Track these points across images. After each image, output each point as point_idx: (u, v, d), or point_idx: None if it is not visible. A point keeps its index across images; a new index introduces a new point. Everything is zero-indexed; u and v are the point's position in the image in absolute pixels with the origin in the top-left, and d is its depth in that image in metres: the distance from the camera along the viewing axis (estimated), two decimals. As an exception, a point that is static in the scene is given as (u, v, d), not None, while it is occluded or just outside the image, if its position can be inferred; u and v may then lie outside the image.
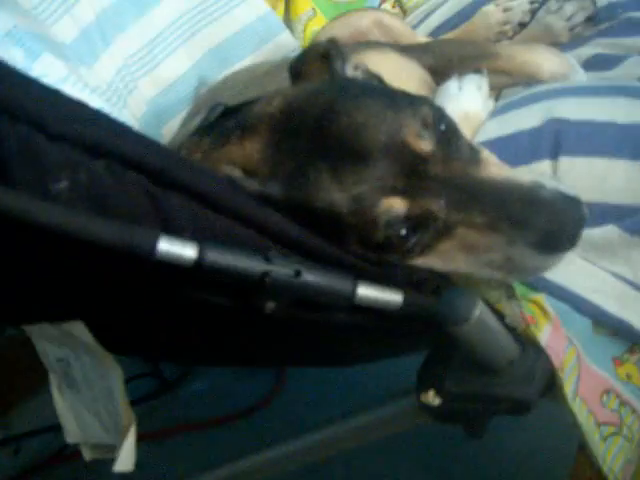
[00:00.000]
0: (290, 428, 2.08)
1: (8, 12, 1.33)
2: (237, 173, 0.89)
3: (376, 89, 0.97)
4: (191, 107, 1.64)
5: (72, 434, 0.99)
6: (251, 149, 0.91)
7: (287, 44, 1.91)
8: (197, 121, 1.27)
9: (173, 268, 0.78)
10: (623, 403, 1.03)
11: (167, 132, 1.68)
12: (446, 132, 0.90)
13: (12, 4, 1.43)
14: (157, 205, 0.79)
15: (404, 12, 2.14)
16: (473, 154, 0.91)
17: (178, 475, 1.71)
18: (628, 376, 1.05)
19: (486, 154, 0.93)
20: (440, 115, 0.91)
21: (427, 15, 2.01)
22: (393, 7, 2.17)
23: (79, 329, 0.87)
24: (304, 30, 2.05)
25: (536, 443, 1.76)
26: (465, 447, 1.83)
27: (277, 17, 1.95)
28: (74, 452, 1.89)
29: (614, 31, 1.63)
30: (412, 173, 0.86)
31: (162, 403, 2.34)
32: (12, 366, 2.19)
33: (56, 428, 0.99)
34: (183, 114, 1.67)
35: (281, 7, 2.07)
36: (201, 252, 0.78)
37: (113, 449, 0.95)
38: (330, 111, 0.89)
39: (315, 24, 2.06)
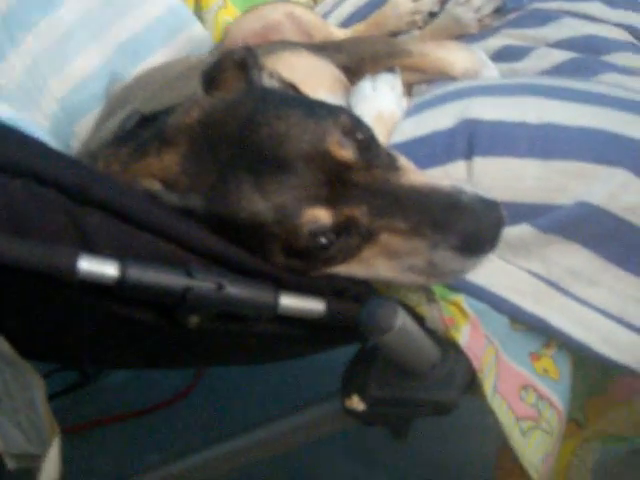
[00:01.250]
0: (211, 419, 2.11)
1: None
2: (157, 186, 0.88)
3: (295, 99, 0.97)
4: (104, 106, 1.61)
5: (-6, 443, 0.97)
6: (170, 161, 0.90)
7: (198, 36, 1.90)
8: (111, 126, 1.26)
9: (95, 286, 0.78)
10: (541, 397, 1.06)
11: (79, 130, 1.64)
12: (365, 140, 0.91)
13: None
14: (76, 223, 0.79)
15: (315, 1, 2.14)
16: (392, 161, 0.92)
17: (99, 468, 1.70)
18: (545, 370, 1.08)
19: (404, 161, 0.94)
20: (358, 123, 0.92)
21: (338, 4, 2.02)
22: (305, -3, 2.17)
23: (-3, 340, 0.85)
24: (215, 20, 2.03)
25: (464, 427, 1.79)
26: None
27: (187, 8, 1.94)
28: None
29: (521, 22, 1.67)
30: (334, 181, 0.87)
31: (82, 396, 2.31)
32: None
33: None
34: (96, 112, 1.65)
35: (191, -2, 2.05)
36: (122, 270, 0.78)
37: (37, 459, 0.95)
38: (251, 122, 0.89)
39: (226, 14, 2.04)
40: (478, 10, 1.69)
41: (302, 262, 0.89)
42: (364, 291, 0.94)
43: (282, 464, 1.85)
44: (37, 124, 1.44)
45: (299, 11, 1.75)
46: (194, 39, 1.88)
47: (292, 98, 0.97)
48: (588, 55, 1.51)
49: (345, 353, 1.06)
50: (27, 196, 0.77)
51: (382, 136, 1.11)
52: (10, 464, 1.00)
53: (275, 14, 1.72)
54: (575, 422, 1.28)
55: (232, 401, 2.19)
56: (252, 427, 1.22)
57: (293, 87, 1.04)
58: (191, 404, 2.24)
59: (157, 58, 1.79)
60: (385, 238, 0.89)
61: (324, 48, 1.48)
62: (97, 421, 2.22)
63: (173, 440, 1.99)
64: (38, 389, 0.97)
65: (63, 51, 1.66)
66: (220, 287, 0.82)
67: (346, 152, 0.88)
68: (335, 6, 2.01)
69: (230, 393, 2.21)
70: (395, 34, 1.84)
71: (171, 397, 2.26)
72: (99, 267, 0.77)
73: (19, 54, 1.59)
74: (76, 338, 0.97)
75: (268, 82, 1.00)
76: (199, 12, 2.02)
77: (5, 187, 0.76)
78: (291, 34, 1.69)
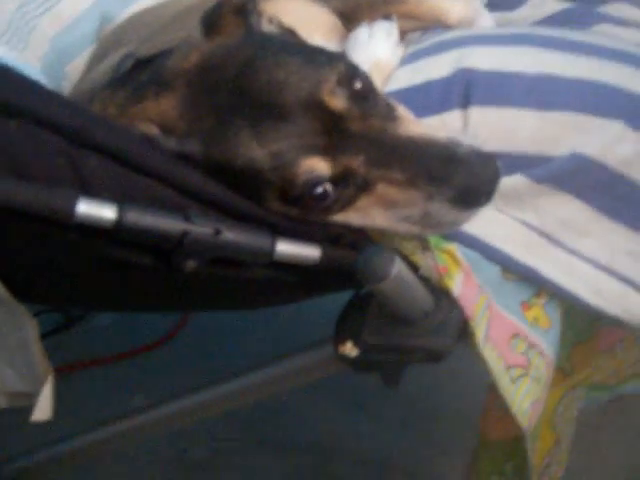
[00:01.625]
0: (198, 361, 2.12)
1: None
2: (154, 131, 0.88)
3: (294, 46, 0.96)
4: (95, 47, 1.59)
5: (-13, 382, 0.98)
6: (168, 106, 0.89)
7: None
8: (105, 68, 1.25)
9: (93, 228, 0.78)
10: (531, 345, 1.07)
11: (71, 70, 1.63)
12: (362, 89, 0.90)
13: None
14: (74, 166, 0.79)
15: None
16: (390, 111, 0.92)
17: (85, 410, 1.72)
18: (535, 319, 1.09)
19: (402, 110, 0.94)
20: (356, 72, 0.92)
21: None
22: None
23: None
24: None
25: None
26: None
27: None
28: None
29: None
30: (331, 130, 0.87)
31: (67, 338, 2.32)
32: None
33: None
34: (87, 52, 1.63)
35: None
36: (120, 213, 0.78)
37: (30, 397, 0.96)
38: (249, 68, 0.88)
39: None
40: (474, -44, 1.68)
41: (299, 210, 0.89)
42: (360, 238, 0.95)
43: (269, 407, 1.88)
44: (31, 65, 1.42)
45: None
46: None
47: (291, 45, 0.97)
48: (583, 5, 1.50)
49: (336, 299, 1.07)
50: (24, 137, 0.77)
51: (379, 84, 1.11)
52: (2, 403, 1.01)
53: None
54: (561, 370, 1.30)
55: (221, 344, 2.20)
56: (242, 371, 1.23)
57: (291, 32, 1.03)
58: (178, 346, 2.25)
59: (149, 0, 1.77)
60: (381, 188, 0.89)
61: (319, -7, 1.47)
62: (83, 364, 2.23)
63: (159, 383, 2.00)
64: (31, 329, 0.98)
65: (53, -10, 1.64)
66: (217, 232, 0.83)
67: (338, 101, 0.88)
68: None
69: (219, 336, 2.23)
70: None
71: (157, 340, 2.28)
72: (97, 210, 0.77)
73: (10, -7, 1.57)
74: (71, 281, 0.98)
75: (267, 28, 0.99)
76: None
77: (3, 127, 0.76)
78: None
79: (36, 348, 0.99)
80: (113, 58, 1.27)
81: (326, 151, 0.87)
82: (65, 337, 2.32)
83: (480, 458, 1.38)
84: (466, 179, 0.87)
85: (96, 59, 1.43)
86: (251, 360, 1.21)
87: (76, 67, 1.60)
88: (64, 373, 2.15)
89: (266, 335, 2.13)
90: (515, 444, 1.25)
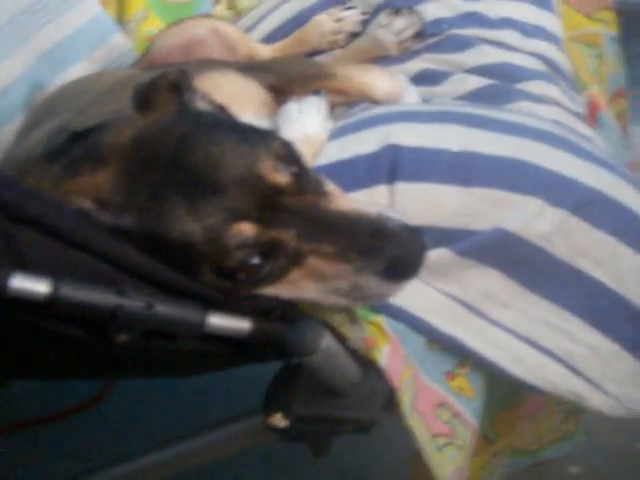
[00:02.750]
0: (124, 426, 2.09)
1: None
2: (89, 205, 0.88)
3: (228, 123, 0.99)
4: (27, 116, 1.60)
5: None
6: (103, 180, 0.90)
7: (121, 46, 1.90)
8: (37, 137, 1.26)
9: (26, 302, 0.78)
10: (455, 415, 1.10)
11: (1, 138, 1.63)
12: (296, 165, 0.93)
13: None
14: (8, 240, 0.79)
15: (238, 14, 2.16)
16: (320, 186, 0.95)
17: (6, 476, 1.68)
18: (460, 388, 1.12)
19: (331, 186, 0.96)
20: (291, 149, 0.95)
21: (260, 19, 2.04)
22: (227, 9, 2.18)
23: None
24: (138, 31, 2.03)
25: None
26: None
27: (110, 18, 1.94)
28: None
29: (440, 47, 1.71)
30: (266, 205, 0.89)
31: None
32: None
33: None
34: (17, 121, 1.64)
35: (113, 8, 2.04)
36: (54, 288, 0.78)
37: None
38: (184, 144, 0.90)
39: (148, 25, 2.04)
40: (399, 33, 1.73)
41: (231, 283, 0.91)
42: (289, 311, 0.96)
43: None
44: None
45: (223, 26, 1.77)
46: (116, 49, 1.88)
47: (225, 122, 0.99)
48: (503, 82, 1.57)
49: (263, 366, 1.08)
50: (-44, 213, 0.77)
51: (308, 158, 1.14)
52: None
53: (199, 29, 1.73)
54: (485, 437, 1.33)
55: (147, 409, 2.18)
56: (170, 441, 1.22)
57: (222, 109, 1.06)
58: (104, 410, 2.22)
59: (80, 67, 1.79)
60: (312, 261, 0.91)
61: (251, 68, 1.50)
62: (4, 428, 2.18)
63: (86, 447, 1.97)
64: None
65: (-16, 58, 1.65)
66: (150, 306, 0.83)
67: (280, 176, 0.90)
68: (258, 22, 2.03)
69: (145, 401, 2.20)
70: (317, 52, 1.88)
71: (83, 403, 2.24)
72: (31, 284, 0.78)
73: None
74: (5, 351, 0.97)
75: (200, 104, 1.01)
76: (121, 22, 2.02)
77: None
78: (215, 49, 1.71)
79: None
80: (45, 128, 1.28)
81: (257, 220, 0.89)
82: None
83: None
84: (395, 252, 0.90)
85: (28, 128, 1.43)
86: (177, 427, 1.21)
87: (6, 134, 1.60)
88: (-15, 437, 2.10)
89: (193, 401, 2.12)
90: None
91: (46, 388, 2.26)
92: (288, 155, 0.93)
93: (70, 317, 0.82)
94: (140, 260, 0.87)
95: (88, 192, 0.90)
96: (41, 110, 1.49)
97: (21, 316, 0.82)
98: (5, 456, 1.98)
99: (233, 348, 0.94)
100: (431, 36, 1.75)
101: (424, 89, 1.60)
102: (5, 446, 2.06)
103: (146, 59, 1.72)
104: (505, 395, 1.35)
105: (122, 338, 0.85)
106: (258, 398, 1.04)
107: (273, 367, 1.06)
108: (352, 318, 0.99)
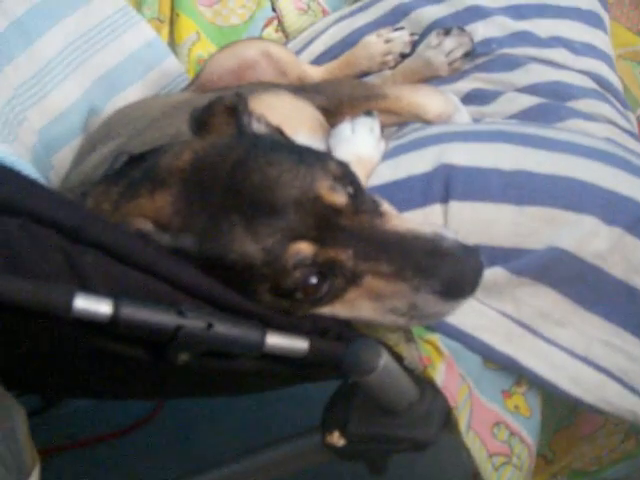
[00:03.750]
0: (176, 445, 2.10)
1: None
2: (149, 227, 0.90)
3: (284, 145, 1.00)
4: (83, 140, 1.63)
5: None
6: (162, 202, 0.92)
7: (173, 69, 1.93)
8: (95, 161, 1.28)
9: (89, 323, 0.80)
10: (513, 434, 1.10)
11: (58, 161, 1.67)
12: (352, 185, 0.94)
13: None
14: (72, 262, 0.80)
15: (286, 36, 2.18)
16: (376, 206, 0.96)
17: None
18: (516, 407, 1.12)
19: (387, 206, 0.97)
20: (347, 170, 0.96)
21: (310, 42, 2.05)
22: (276, 31, 2.20)
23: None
24: (189, 54, 2.06)
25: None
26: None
27: (163, 42, 1.98)
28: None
29: (490, 66, 1.72)
30: (323, 225, 0.90)
31: (45, 421, 2.28)
32: None
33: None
34: (74, 144, 1.67)
35: (165, 31, 2.08)
36: (116, 308, 0.79)
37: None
38: (243, 167, 0.92)
39: (199, 48, 2.08)
40: (449, 54, 1.74)
41: (289, 302, 0.92)
42: (346, 330, 0.97)
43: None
44: (22, 159, 1.45)
45: (274, 49, 1.78)
46: (170, 73, 1.92)
47: (281, 144, 1.00)
48: (553, 101, 1.57)
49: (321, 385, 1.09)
50: (24, 235, 0.79)
51: (362, 178, 1.15)
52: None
53: (251, 52, 1.75)
54: (544, 457, 1.32)
55: (198, 428, 2.18)
56: (223, 460, 1.23)
57: (278, 130, 1.07)
58: (156, 430, 2.23)
59: (133, 91, 1.83)
60: (369, 281, 0.92)
61: (303, 89, 1.51)
62: (59, 447, 2.20)
63: (137, 466, 1.98)
64: (19, 419, 0.98)
65: (42, 83, 1.69)
66: (210, 326, 0.84)
67: (337, 197, 0.92)
68: (307, 44, 2.05)
69: (196, 420, 2.21)
70: (366, 74, 1.89)
71: (135, 422, 2.25)
72: (94, 305, 0.79)
73: (0, 85, 1.61)
74: (61, 371, 0.99)
75: (256, 126, 1.03)
76: (173, 46, 2.06)
77: (3, 226, 0.78)
78: (266, 72, 1.72)
79: (23, 439, 1.00)
80: (102, 151, 1.31)
81: (314, 240, 0.90)
82: (43, 419, 2.29)
83: None
84: (452, 271, 0.90)
85: (85, 152, 1.46)
86: (229, 447, 1.21)
87: (63, 158, 1.64)
88: (43, 455, 2.11)
89: (249, 421, 2.12)
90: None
91: (99, 408, 2.28)
92: (344, 175, 0.94)
93: (130, 337, 0.84)
94: (199, 281, 0.88)
95: (147, 214, 0.92)
96: (98, 134, 1.52)
97: (80, 335, 0.83)
98: (58, 475, 2.00)
99: (290, 367, 0.95)
100: (481, 56, 1.76)
101: (474, 109, 1.60)
102: (58, 465, 2.08)
103: (198, 82, 1.74)
104: (562, 414, 1.34)
105: (182, 358, 0.86)
106: (314, 417, 1.05)
107: (331, 386, 1.07)
108: (408, 337, 1.00)
